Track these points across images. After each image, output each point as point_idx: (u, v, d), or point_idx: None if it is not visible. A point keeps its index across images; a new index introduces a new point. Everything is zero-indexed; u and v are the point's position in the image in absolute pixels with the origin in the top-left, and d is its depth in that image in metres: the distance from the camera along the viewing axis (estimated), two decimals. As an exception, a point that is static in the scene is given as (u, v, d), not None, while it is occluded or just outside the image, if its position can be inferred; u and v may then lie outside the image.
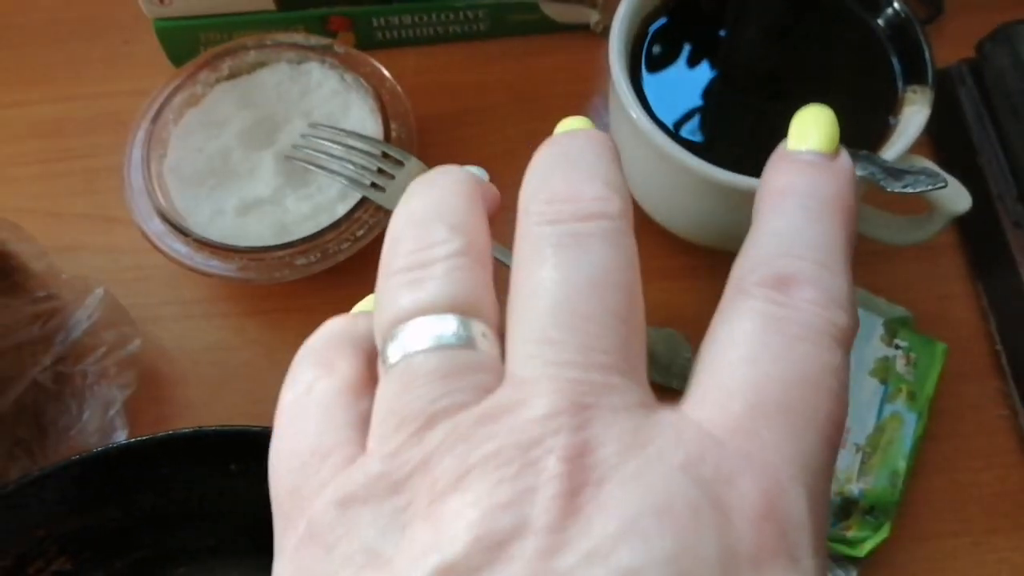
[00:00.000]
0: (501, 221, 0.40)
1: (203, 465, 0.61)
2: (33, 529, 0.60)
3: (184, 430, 0.59)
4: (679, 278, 0.78)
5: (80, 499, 0.60)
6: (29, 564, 0.61)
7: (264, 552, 0.63)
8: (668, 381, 0.72)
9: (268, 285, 0.73)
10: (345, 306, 0.80)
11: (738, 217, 0.64)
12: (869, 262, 0.76)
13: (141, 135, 0.74)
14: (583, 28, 0.87)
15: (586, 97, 0.86)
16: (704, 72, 0.68)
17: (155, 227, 0.71)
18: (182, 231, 0.70)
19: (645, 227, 0.78)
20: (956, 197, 0.64)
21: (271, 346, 0.76)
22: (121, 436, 0.69)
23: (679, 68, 0.68)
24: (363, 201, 0.71)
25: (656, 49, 0.68)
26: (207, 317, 0.78)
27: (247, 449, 0.60)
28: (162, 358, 0.76)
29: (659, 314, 0.75)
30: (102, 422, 0.68)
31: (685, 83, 0.67)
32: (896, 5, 0.66)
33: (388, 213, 0.72)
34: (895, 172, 0.54)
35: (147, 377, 0.74)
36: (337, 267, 0.72)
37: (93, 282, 0.71)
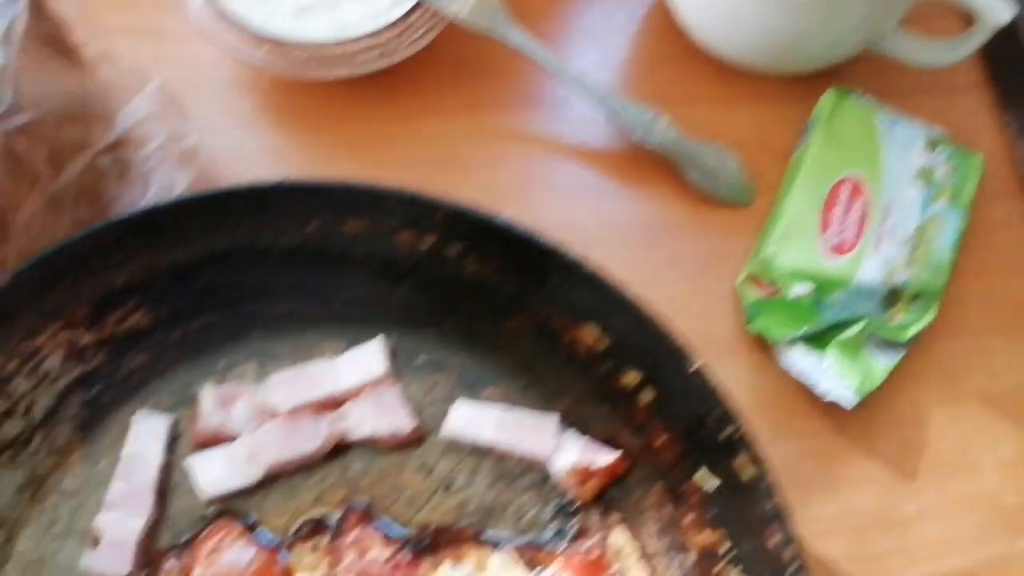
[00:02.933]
0: None
1: (283, 219, 0.61)
2: (112, 278, 0.60)
3: (268, 181, 0.60)
4: (727, 102, 0.81)
5: (159, 244, 0.60)
6: (108, 314, 0.61)
7: (336, 320, 0.65)
8: (716, 189, 0.76)
9: (325, 92, 0.74)
10: (396, 113, 0.81)
11: (794, 31, 0.67)
12: (906, 94, 0.81)
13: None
14: None
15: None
16: None
17: (214, 24, 0.71)
18: (243, 27, 0.71)
19: (698, 57, 0.81)
20: (998, 6, 0.68)
21: (323, 153, 0.77)
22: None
23: None
24: (419, 5, 0.72)
25: None
26: (260, 124, 0.78)
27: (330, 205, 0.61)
28: (218, 160, 0.76)
29: (709, 132, 0.78)
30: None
31: None
32: None
33: (443, 17, 0.73)
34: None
35: (202, 178, 0.74)
36: (391, 73, 0.73)
37: (150, 74, 0.70)
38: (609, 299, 0.57)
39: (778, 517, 0.52)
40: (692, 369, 0.55)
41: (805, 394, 0.69)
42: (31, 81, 0.59)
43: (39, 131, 0.59)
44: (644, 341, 0.58)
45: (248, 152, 0.77)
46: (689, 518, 0.58)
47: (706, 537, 0.57)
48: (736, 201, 0.77)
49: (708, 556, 0.57)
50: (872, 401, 0.68)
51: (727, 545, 0.56)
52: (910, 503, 0.69)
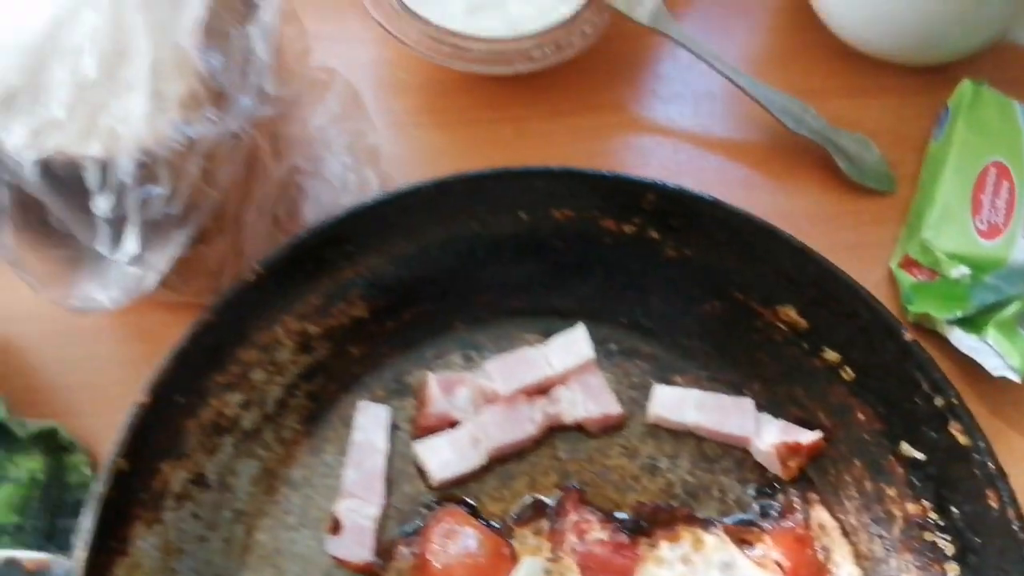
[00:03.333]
0: None
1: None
2: (342, 270, 0.63)
3: (489, 169, 0.63)
4: (861, 93, 0.85)
5: (385, 235, 0.63)
6: (334, 305, 0.64)
7: (532, 311, 0.68)
8: (862, 177, 0.79)
9: (479, 91, 0.77)
10: (550, 110, 0.84)
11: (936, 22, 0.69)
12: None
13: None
14: None
15: None
16: None
17: (395, 23, 0.74)
18: (425, 24, 0.74)
19: (832, 47, 0.85)
20: None
21: (480, 151, 0.80)
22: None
23: None
24: (588, 2, 0.76)
25: None
26: (420, 124, 0.81)
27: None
28: (397, 158, 0.79)
29: (844, 123, 0.81)
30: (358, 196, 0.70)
31: None
32: None
33: (613, 12, 0.77)
34: None
35: (383, 176, 0.77)
36: (543, 71, 0.77)
37: (338, 74, 0.73)
38: (818, 276, 0.61)
39: (997, 479, 0.56)
40: (906, 340, 0.59)
41: (965, 372, 0.72)
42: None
43: (269, 127, 0.62)
44: (847, 319, 0.61)
45: (410, 151, 0.81)
46: (892, 492, 0.62)
47: (912, 508, 0.61)
48: (881, 189, 0.81)
49: (914, 527, 0.61)
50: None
51: (937, 516, 0.60)
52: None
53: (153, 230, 0.57)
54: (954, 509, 0.59)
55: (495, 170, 0.64)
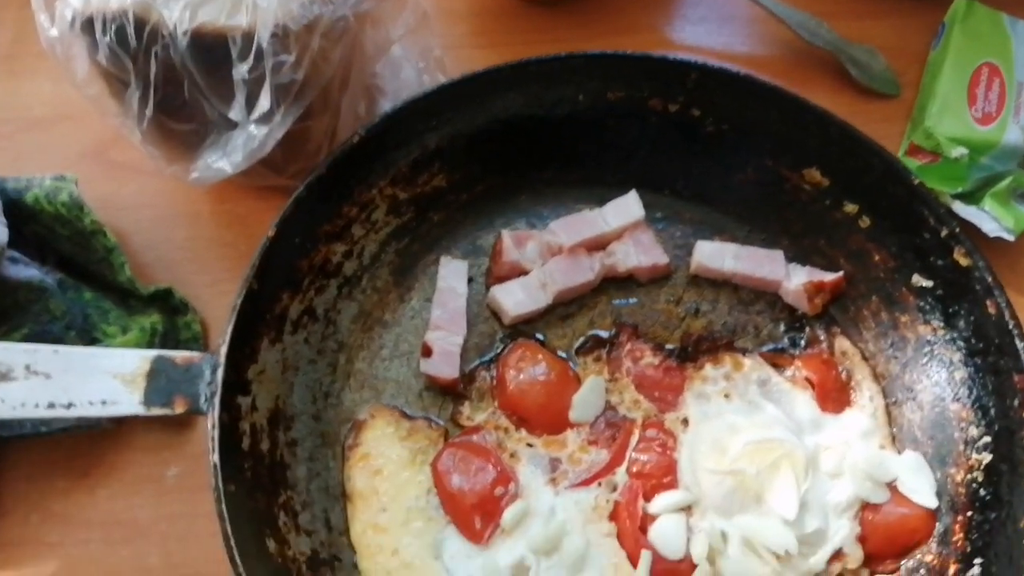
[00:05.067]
0: None
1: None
2: (426, 141, 0.74)
3: (559, 54, 0.74)
4: (874, 16, 0.96)
5: (465, 109, 0.74)
6: (419, 174, 0.75)
7: (587, 184, 0.78)
8: (871, 82, 0.90)
9: (524, 17, 0.88)
10: (587, 33, 0.95)
11: None
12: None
13: None
14: None
15: None
16: None
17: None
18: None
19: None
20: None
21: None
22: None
23: None
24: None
25: None
26: (465, 46, 0.92)
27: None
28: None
29: (858, 40, 0.92)
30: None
31: None
32: None
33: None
34: None
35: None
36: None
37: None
38: (839, 136, 0.72)
39: (995, 289, 0.66)
40: (914, 183, 0.69)
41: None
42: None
43: (370, 18, 0.73)
44: (863, 172, 0.72)
45: (468, 70, 0.91)
46: (905, 318, 0.72)
47: (923, 329, 0.71)
48: (887, 92, 0.91)
49: (925, 344, 0.71)
50: (1017, 247, 0.81)
51: (944, 331, 0.70)
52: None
53: (279, 93, 0.68)
54: (960, 323, 0.69)
55: (561, 54, 0.74)
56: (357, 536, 0.67)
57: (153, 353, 0.63)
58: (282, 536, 0.63)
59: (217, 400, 0.60)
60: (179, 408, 0.61)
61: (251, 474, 0.63)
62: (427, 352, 0.72)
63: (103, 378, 0.61)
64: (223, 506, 0.58)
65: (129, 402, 0.61)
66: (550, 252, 0.76)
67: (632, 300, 0.77)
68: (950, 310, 0.69)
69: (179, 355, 0.63)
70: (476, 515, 0.66)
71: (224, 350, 0.62)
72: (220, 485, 0.58)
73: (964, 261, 0.68)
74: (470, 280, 0.77)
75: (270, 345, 0.68)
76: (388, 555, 0.66)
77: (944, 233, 0.69)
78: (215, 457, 0.59)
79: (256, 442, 0.65)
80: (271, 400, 0.67)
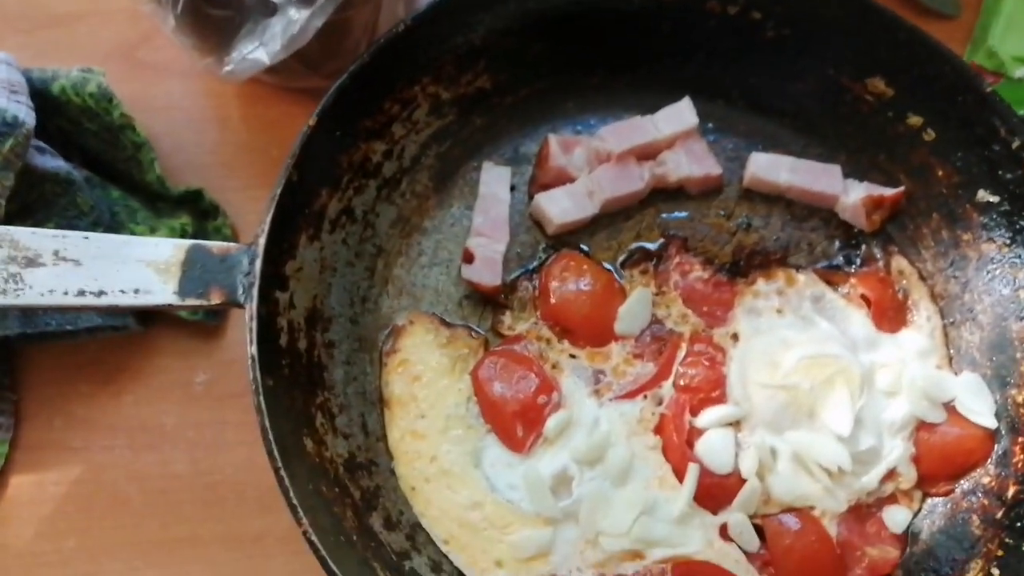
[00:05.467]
0: None
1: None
2: (471, 32, 0.70)
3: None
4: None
5: (510, 5, 0.70)
6: (463, 73, 0.72)
7: (636, 90, 0.75)
8: (932, 3, 0.86)
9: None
10: None
11: None
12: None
13: None
14: None
15: None
16: None
17: None
18: None
19: None
20: None
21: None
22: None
23: None
24: None
25: None
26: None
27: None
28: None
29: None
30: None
31: None
32: None
33: None
34: None
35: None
36: None
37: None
38: (907, 40, 0.68)
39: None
40: (985, 91, 0.66)
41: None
42: None
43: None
44: (931, 81, 0.68)
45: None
46: (967, 236, 0.69)
47: (986, 248, 0.68)
48: (949, 13, 0.87)
49: (988, 261, 0.68)
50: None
51: (1009, 249, 0.67)
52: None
53: (320, -25, 0.64)
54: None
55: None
56: (395, 442, 0.65)
57: (188, 242, 0.60)
58: (319, 437, 0.62)
59: (255, 292, 0.58)
60: (215, 299, 0.59)
61: (288, 371, 0.61)
62: (469, 258, 0.69)
63: (136, 266, 0.59)
64: (261, 398, 0.55)
65: (163, 292, 0.59)
66: (598, 159, 0.73)
67: (681, 213, 0.74)
68: (1018, 226, 0.66)
69: (216, 245, 0.60)
70: (518, 423, 0.64)
71: (263, 241, 0.59)
72: (258, 377, 0.56)
73: (1035, 174, 0.65)
74: (512, 189, 0.74)
75: (308, 242, 0.65)
76: (426, 462, 0.64)
77: (1016, 144, 0.65)
78: (253, 349, 0.57)
79: (294, 340, 0.62)
80: (309, 299, 0.65)
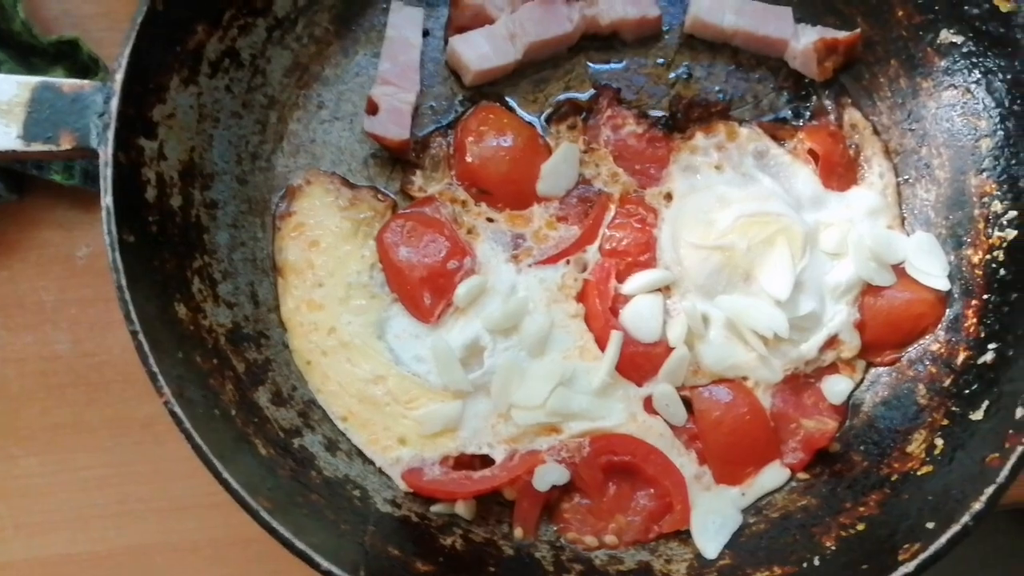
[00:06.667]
0: None
1: None
2: None
3: None
4: None
5: None
6: None
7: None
8: None
9: None
10: None
11: None
12: None
13: None
14: None
15: None
16: None
17: None
18: None
19: None
20: None
21: None
22: None
23: None
24: None
25: None
26: None
27: None
28: None
29: None
30: None
31: None
32: None
33: None
34: None
35: None
36: None
37: None
38: None
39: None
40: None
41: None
42: None
43: None
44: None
45: None
46: (927, 83, 0.62)
47: (947, 95, 0.61)
48: None
49: (948, 110, 0.61)
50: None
51: (971, 96, 0.60)
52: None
53: None
54: (994, 82, 0.59)
55: None
56: (289, 313, 0.59)
57: (34, 79, 0.52)
58: (196, 303, 0.55)
59: (111, 135, 0.50)
60: (65, 144, 0.51)
61: (157, 229, 0.54)
62: (372, 109, 0.61)
63: (-29, 105, 0.51)
64: (116, 254, 0.48)
65: (4, 135, 0.51)
66: (520, -1, 0.64)
67: (616, 63, 0.66)
68: (982, 68, 0.59)
69: (66, 83, 0.52)
70: (425, 290, 0.58)
71: (120, 77, 0.51)
72: (114, 231, 0.49)
73: (1005, 6, 0.57)
74: (427, 33, 0.65)
75: (182, 85, 0.57)
76: (324, 334, 0.58)
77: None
78: (107, 199, 0.49)
79: (164, 195, 0.55)
80: (184, 151, 0.57)
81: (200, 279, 0.56)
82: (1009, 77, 0.58)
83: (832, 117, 0.65)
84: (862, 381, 0.60)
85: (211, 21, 0.58)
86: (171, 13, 0.54)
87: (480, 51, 0.63)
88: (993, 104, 0.59)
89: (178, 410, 0.47)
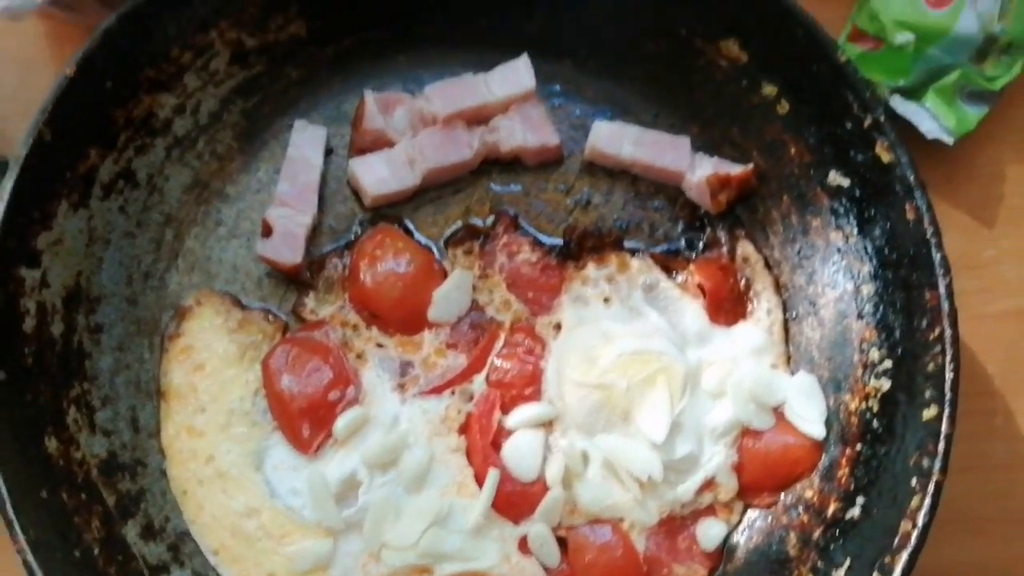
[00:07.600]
0: None
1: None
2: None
3: None
4: None
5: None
6: (271, 17, 0.63)
7: (476, 46, 0.67)
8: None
9: None
10: None
11: None
12: None
13: None
14: None
15: None
16: None
17: None
18: None
19: None
20: None
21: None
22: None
23: None
24: None
25: None
26: None
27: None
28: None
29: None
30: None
31: None
32: None
33: None
34: None
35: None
36: None
37: None
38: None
39: (916, 189, 0.56)
40: (839, 61, 0.59)
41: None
42: None
43: None
44: (786, 45, 0.61)
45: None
46: (817, 222, 0.63)
47: (834, 236, 0.62)
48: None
49: (835, 252, 0.62)
50: (954, 156, 0.73)
51: (856, 239, 0.61)
52: (989, 248, 0.75)
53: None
54: (874, 230, 0.60)
55: None
56: (169, 439, 0.59)
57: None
58: (69, 435, 0.55)
59: (-16, 272, 0.50)
60: (-65, 280, 0.51)
61: (32, 361, 0.54)
62: (267, 231, 0.62)
63: None
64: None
65: None
66: (423, 122, 0.65)
67: (515, 186, 0.67)
68: (865, 214, 0.61)
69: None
70: (304, 421, 0.58)
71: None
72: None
73: (886, 157, 0.58)
74: (330, 152, 0.66)
75: (71, 210, 0.57)
76: (202, 462, 0.58)
77: (867, 123, 0.59)
78: (-27, 341, 0.49)
79: (44, 324, 0.55)
80: (70, 276, 0.57)
81: (77, 408, 0.56)
82: (888, 226, 0.59)
83: (725, 249, 0.66)
84: (739, 523, 0.60)
85: (105, 145, 0.59)
86: (61, 142, 0.55)
87: (378, 175, 0.63)
88: (874, 251, 0.60)
89: (30, 558, 0.47)
